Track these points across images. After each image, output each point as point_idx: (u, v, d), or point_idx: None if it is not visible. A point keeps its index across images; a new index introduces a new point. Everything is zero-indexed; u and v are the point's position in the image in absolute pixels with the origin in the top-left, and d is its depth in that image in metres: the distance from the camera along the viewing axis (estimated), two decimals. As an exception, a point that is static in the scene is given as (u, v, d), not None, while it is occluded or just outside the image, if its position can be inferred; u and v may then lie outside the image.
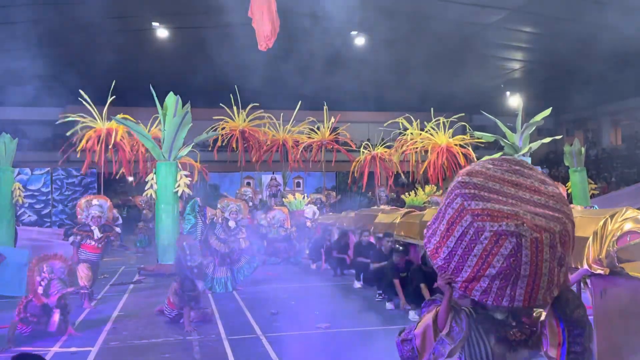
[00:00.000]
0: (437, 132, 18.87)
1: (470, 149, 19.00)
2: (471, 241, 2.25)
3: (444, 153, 18.27)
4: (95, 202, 9.26)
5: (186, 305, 7.12)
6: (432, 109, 18.99)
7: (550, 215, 2.26)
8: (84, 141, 17.15)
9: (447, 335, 2.40)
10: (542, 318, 2.40)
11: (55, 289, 6.60)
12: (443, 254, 2.39)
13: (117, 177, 18.65)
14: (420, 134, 19.06)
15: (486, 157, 14.35)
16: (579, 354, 2.28)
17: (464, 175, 2.40)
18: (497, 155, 14.75)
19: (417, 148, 19.02)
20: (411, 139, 19.24)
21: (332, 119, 22.25)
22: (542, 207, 2.28)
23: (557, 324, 2.33)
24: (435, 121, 18.66)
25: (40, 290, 6.58)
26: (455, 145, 18.70)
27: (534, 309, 2.45)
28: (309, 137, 22.76)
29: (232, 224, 10.04)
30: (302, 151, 22.38)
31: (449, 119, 18.78)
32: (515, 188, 2.35)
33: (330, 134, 22.66)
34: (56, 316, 6.54)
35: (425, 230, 2.59)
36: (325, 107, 22.01)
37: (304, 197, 18.66)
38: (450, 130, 18.91)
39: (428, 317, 2.50)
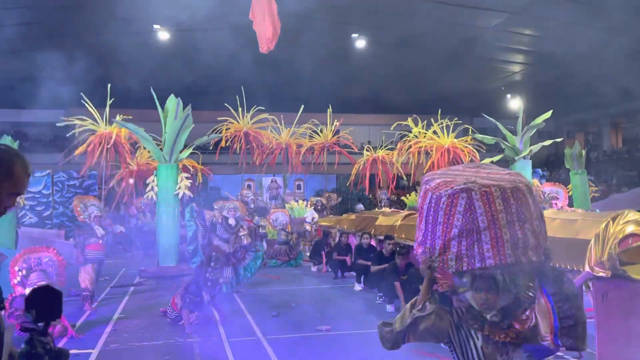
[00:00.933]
0: (441, 134, 18.83)
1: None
2: (435, 212, 2.44)
3: (450, 152, 18.23)
4: (90, 202, 9.35)
5: (185, 307, 7.12)
6: (439, 110, 18.97)
7: (504, 179, 2.46)
8: (84, 145, 17.11)
9: (419, 310, 2.51)
10: (534, 315, 2.41)
11: (35, 279, 6.27)
12: (420, 238, 2.53)
13: (117, 180, 18.64)
14: (426, 134, 19.03)
15: (487, 160, 14.28)
16: (572, 328, 2.28)
17: (426, 176, 2.66)
18: (497, 158, 14.82)
19: (420, 148, 18.99)
20: (415, 141, 19.20)
21: (336, 122, 22.25)
22: (496, 180, 2.46)
23: (546, 300, 2.36)
24: (441, 122, 18.64)
25: (16, 280, 6.33)
26: (459, 145, 18.65)
27: (527, 307, 2.45)
28: (311, 139, 22.75)
29: (231, 221, 10.08)
30: (303, 153, 22.37)
31: (452, 122, 18.76)
32: (475, 169, 2.59)
33: (332, 137, 22.66)
34: None
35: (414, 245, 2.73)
36: (329, 110, 22.01)
37: (306, 205, 18.51)
38: (453, 134, 18.88)
39: (408, 305, 2.61)
